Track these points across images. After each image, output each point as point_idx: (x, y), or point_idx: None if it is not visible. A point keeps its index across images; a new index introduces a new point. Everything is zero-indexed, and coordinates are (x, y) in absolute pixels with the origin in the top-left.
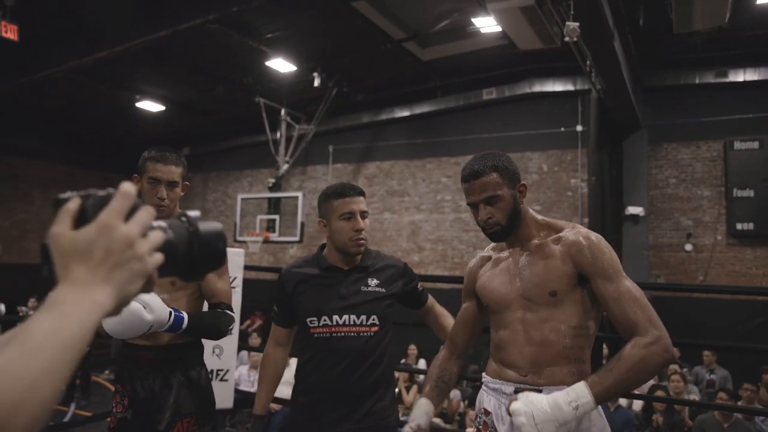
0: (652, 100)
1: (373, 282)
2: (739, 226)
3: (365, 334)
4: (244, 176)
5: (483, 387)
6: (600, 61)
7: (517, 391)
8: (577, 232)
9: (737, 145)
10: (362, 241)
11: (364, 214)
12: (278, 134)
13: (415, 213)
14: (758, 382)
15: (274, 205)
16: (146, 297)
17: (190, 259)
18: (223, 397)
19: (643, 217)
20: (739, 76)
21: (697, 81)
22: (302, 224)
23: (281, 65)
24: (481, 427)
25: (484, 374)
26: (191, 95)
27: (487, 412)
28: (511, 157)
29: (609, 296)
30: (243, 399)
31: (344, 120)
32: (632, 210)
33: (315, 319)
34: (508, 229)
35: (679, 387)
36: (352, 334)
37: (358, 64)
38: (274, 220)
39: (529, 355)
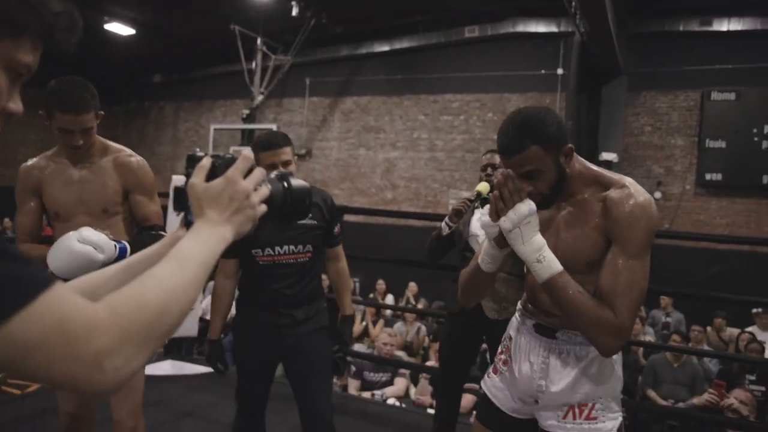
0: (634, 47)
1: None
2: (708, 176)
3: (302, 259)
4: (217, 106)
5: (516, 313)
6: (586, 1)
7: (535, 327)
8: (623, 194)
9: (714, 95)
10: None
11: (286, 164)
12: (254, 64)
13: (391, 150)
14: (709, 325)
15: (248, 137)
16: (95, 237)
17: (283, 210)
18: (188, 326)
19: (616, 163)
20: (723, 26)
21: (681, 29)
22: None
23: None
24: (504, 349)
25: (519, 302)
26: (163, 19)
27: (510, 338)
28: (545, 115)
29: (612, 266)
30: (207, 328)
31: (322, 52)
32: (606, 156)
33: (260, 250)
34: (552, 197)
35: (636, 329)
36: (292, 260)
37: None
38: None
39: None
